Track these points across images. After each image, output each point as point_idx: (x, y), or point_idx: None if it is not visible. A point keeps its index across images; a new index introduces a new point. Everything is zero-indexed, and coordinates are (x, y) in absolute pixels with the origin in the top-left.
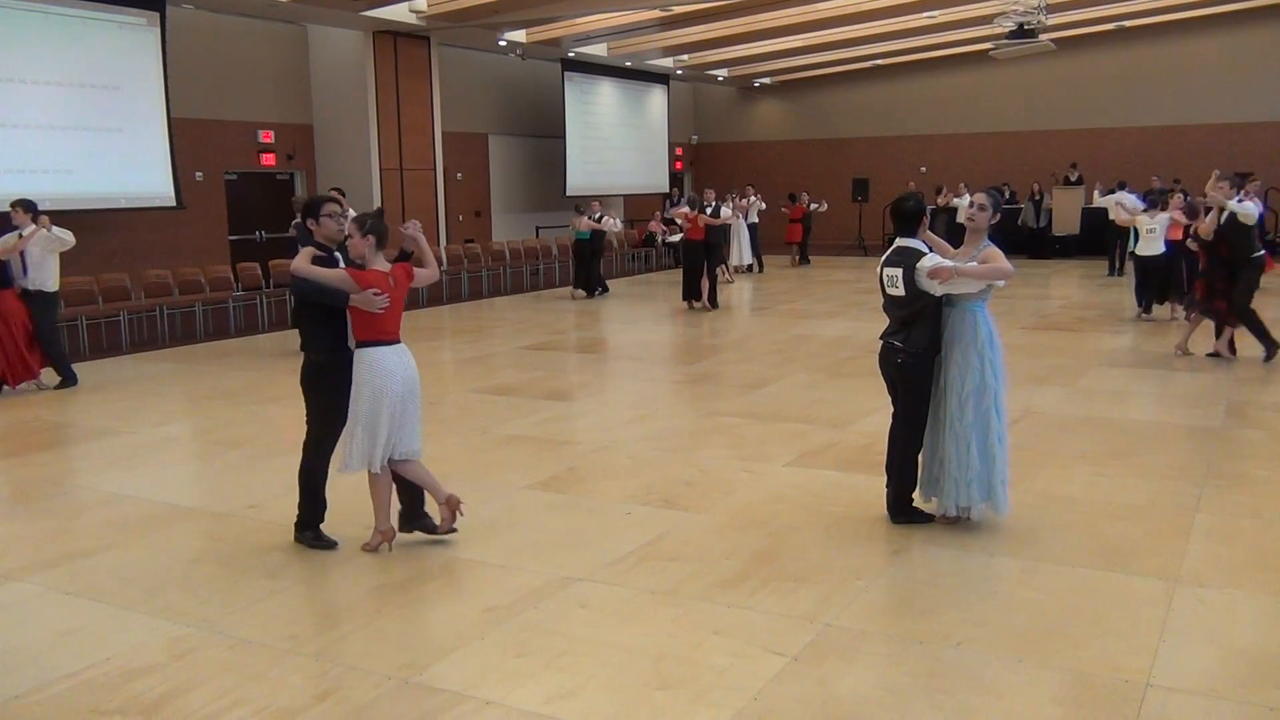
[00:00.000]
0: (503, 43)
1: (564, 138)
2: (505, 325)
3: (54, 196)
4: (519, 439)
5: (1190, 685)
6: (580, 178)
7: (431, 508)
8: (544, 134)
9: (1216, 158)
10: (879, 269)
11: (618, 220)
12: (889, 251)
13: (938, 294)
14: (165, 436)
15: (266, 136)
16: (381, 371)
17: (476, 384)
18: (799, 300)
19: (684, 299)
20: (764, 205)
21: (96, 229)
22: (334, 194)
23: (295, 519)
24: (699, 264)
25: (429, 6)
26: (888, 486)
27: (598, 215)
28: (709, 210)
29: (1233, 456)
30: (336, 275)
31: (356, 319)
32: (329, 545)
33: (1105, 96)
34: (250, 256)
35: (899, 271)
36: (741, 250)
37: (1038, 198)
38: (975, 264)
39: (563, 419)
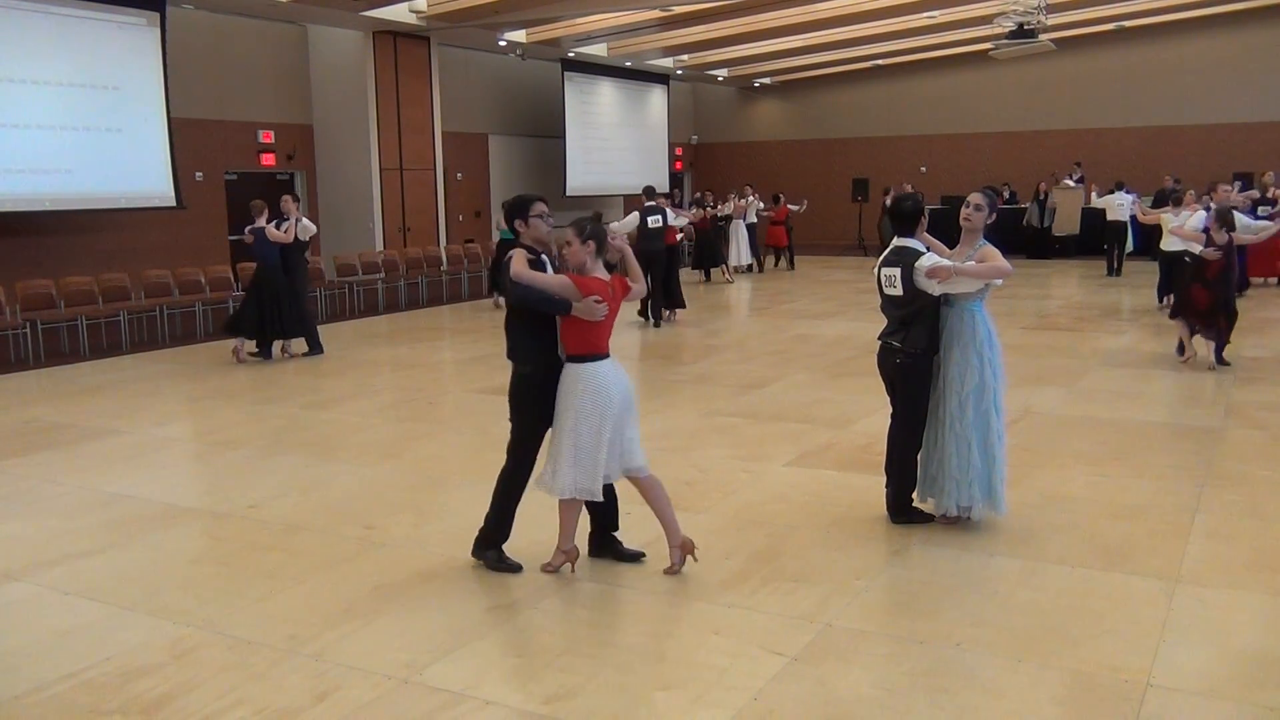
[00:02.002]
0: (503, 43)
1: (564, 138)
2: None
3: (54, 196)
4: None
5: (1190, 685)
6: (580, 178)
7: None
8: (544, 134)
9: (1217, 158)
10: (876, 269)
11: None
12: (886, 251)
13: (936, 293)
14: (165, 436)
15: (266, 136)
16: (601, 390)
17: (477, 384)
18: (799, 300)
19: (669, 309)
20: (762, 205)
21: (96, 229)
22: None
23: (477, 534)
24: (675, 269)
25: (429, 6)
26: (887, 487)
27: None
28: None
29: (1233, 456)
30: (559, 282)
31: (570, 331)
32: (513, 568)
33: (1105, 96)
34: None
35: (897, 271)
36: (740, 250)
37: (1043, 197)
38: (974, 263)
39: None
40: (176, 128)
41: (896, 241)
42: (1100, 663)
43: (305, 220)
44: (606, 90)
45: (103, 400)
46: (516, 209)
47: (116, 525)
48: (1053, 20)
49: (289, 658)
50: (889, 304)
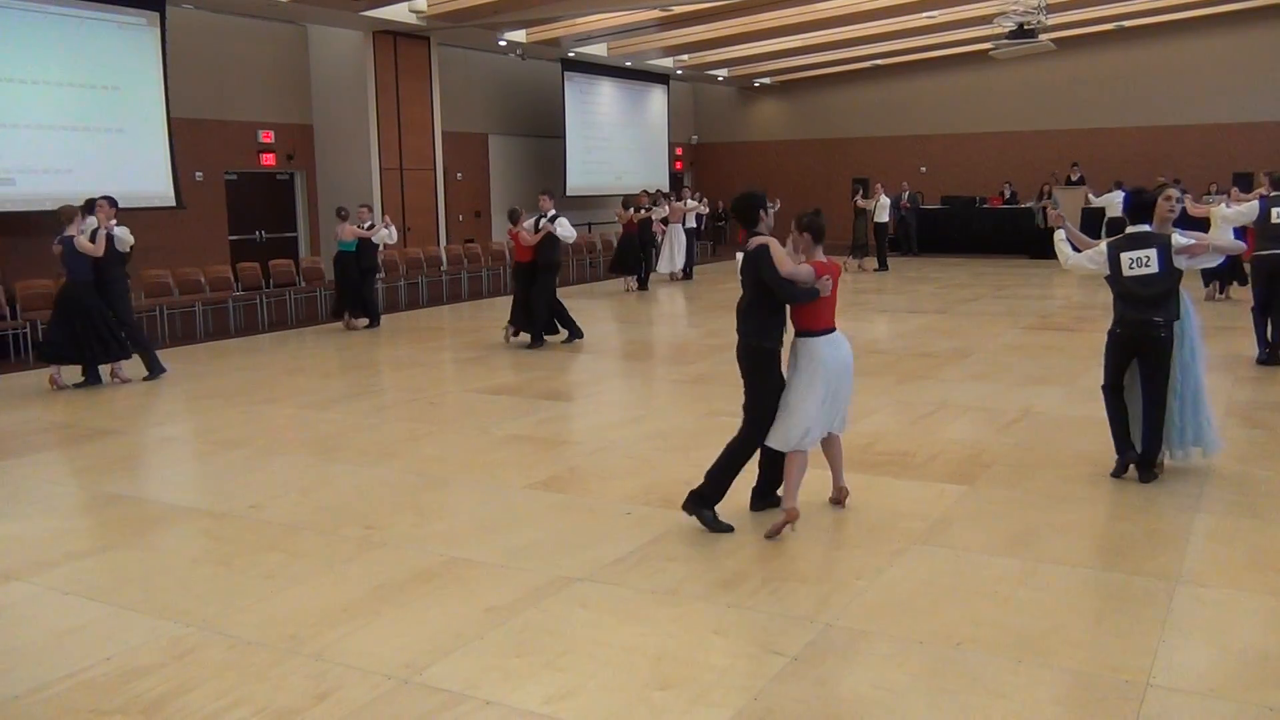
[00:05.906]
0: (503, 43)
1: (564, 138)
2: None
3: (54, 196)
4: (519, 439)
5: (1190, 685)
6: (580, 178)
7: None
8: (544, 134)
9: (1216, 158)
10: (1110, 255)
11: (392, 230)
12: (1119, 238)
13: (1184, 268)
14: (165, 436)
15: (266, 136)
16: (823, 358)
17: (476, 384)
18: None
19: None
20: (705, 209)
21: None
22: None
23: (693, 491)
24: (525, 290)
25: (429, 6)
26: (1144, 452)
27: (367, 223)
28: (542, 221)
29: (1233, 456)
30: (806, 271)
31: (800, 310)
32: (726, 528)
33: (1105, 96)
34: (250, 256)
35: (1152, 251)
36: (673, 257)
37: (1046, 197)
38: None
39: (562, 419)
40: (176, 128)
41: (1131, 229)
42: (1100, 663)
43: (120, 230)
44: (606, 90)
45: (102, 400)
46: (760, 201)
47: (116, 525)
48: (1053, 20)
49: (289, 658)
50: (1138, 284)
